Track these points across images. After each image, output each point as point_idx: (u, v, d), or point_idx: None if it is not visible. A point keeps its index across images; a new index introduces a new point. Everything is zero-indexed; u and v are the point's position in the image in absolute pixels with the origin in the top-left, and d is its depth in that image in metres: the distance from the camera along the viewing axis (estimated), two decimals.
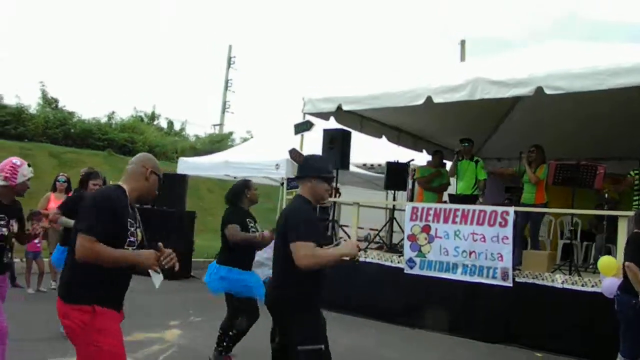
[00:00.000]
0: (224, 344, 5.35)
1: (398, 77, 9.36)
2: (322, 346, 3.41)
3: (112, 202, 2.96)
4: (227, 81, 38.90)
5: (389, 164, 10.62)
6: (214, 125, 37.73)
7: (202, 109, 62.80)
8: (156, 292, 8.64)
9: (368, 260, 8.50)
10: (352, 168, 12.12)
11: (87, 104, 50.13)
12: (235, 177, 12.18)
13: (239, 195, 5.49)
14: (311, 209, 3.58)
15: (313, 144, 9.79)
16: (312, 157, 3.85)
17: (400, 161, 10.56)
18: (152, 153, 22.60)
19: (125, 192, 3.04)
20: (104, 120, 23.63)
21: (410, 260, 7.91)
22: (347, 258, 3.36)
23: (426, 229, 7.81)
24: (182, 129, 33.24)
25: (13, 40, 46.02)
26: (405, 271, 7.94)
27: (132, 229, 3.05)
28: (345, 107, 8.90)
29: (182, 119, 52.13)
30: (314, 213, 3.70)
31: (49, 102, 22.11)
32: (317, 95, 9.35)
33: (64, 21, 56.95)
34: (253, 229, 5.33)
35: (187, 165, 11.75)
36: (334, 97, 9.04)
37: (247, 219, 5.37)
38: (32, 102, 21.85)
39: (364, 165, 13.61)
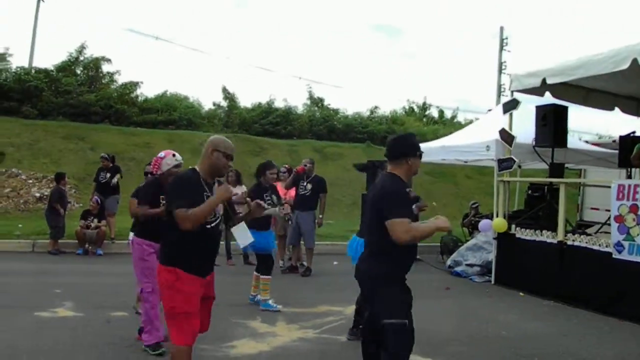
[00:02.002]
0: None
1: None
2: (407, 321, 3.66)
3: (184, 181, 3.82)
4: (500, 64, 38.21)
5: (621, 138, 9.81)
6: (489, 110, 37.32)
7: (478, 94, 62.35)
8: None
9: (576, 244, 8.15)
10: (583, 145, 11.44)
11: (355, 101, 53.59)
12: (466, 162, 12.49)
13: None
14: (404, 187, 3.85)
15: (524, 122, 9.64)
16: (405, 136, 4.11)
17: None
18: None
19: (196, 171, 3.83)
20: (366, 114, 25.52)
21: (618, 244, 7.37)
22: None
23: (634, 208, 7.20)
24: (454, 117, 33.80)
25: (281, 49, 52.28)
26: (613, 256, 7.44)
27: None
28: (549, 80, 8.62)
29: (454, 106, 52.66)
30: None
31: (315, 102, 24.82)
32: (521, 72, 9.25)
33: (319, 28, 62.05)
34: None
35: None
36: (537, 72, 8.85)
37: None
38: (298, 104, 24.89)
39: (614, 141, 12.59)
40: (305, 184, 9.70)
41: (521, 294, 8.72)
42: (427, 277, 9.83)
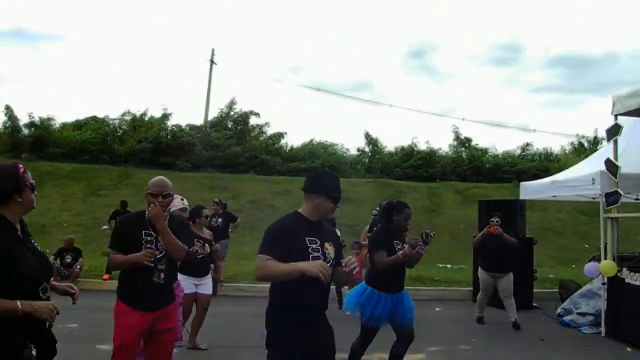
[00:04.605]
0: None
1: None
2: None
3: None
4: None
5: None
6: None
7: None
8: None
9: None
10: None
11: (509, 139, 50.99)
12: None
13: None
14: (289, 222, 3.48)
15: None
16: (321, 175, 3.88)
17: None
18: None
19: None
20: (517, 152, 24.10)
21: None
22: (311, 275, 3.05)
23: None
24: None
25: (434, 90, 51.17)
26: None
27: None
28: None
29: None
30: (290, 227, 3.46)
31: (462, 142, 23.97)
32: (624, 93, 8.16)
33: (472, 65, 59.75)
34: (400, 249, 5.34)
35: (527, 190, 11.39)
36: (638, 91, 7.74)
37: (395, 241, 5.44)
38: (442, 145, 24.30)
39: None
40: None
41: (629, 349, 7.46)
42: (528, 327, 8.82)
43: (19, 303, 2.63)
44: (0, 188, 2.84)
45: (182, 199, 5.68)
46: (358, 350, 5.54)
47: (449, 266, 14.43)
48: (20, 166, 2.98)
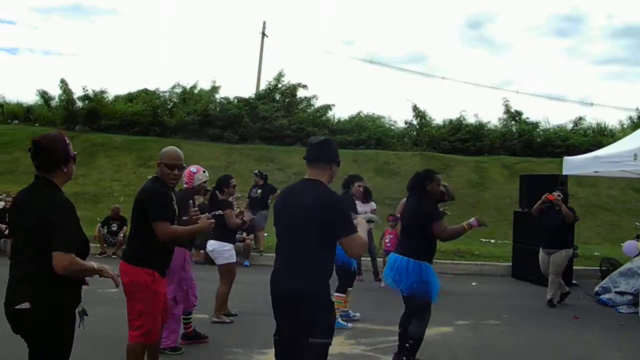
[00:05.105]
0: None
1: None
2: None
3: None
4: None
5: None
6: None
7: None
8: (513, 296, 8.88)
9: None
10: None
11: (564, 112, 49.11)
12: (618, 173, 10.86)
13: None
14: None
15: None
16: (330, 141, 3.85)
17: None
18: None
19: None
20: (569, 126, 23.39)
21: None
22: None
23: None
24: None
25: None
26: None
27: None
28: None
29: None
30: None
31: (512, 115, 23.41)
32: None
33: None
34: None
35: (570, 165, 11.13)
36: None
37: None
38: (491, 118, 23.77)
39: None
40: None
41: None
42: (564, 304, 8.76)
43: (94, 264, 3.01)
44: (52, 157, 2.96)
45: (204, 171, 5.79)
46: (422, 334, 5.29)
47: (492, 241, 14.32)
48: (65, 137, 3.08)
